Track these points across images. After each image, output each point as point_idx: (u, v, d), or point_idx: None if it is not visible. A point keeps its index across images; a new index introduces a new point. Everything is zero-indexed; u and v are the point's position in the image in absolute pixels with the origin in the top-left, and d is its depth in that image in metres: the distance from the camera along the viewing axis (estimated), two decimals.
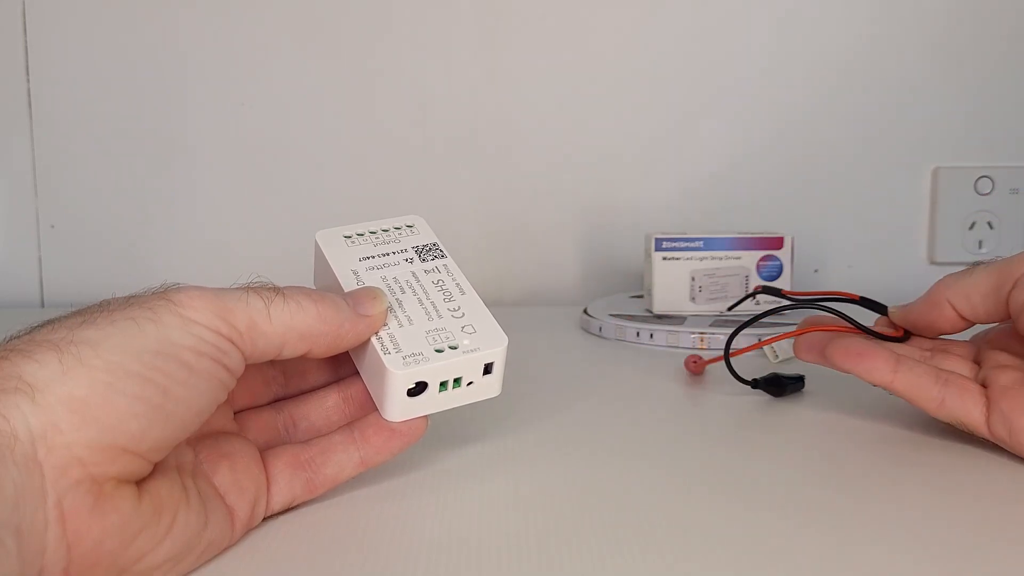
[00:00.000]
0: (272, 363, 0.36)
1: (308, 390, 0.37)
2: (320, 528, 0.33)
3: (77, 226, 0.78)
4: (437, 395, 0.34)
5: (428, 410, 0.34)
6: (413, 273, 0.37)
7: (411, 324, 0.34)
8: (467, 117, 0.79)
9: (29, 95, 0.77)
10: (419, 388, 0.34)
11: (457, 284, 0.37)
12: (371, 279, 0.36)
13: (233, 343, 0.29)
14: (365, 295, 0.34)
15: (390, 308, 0.35)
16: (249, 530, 0.32)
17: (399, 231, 0.39)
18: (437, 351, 0.34)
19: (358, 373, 0.36)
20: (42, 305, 0.79)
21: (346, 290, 0.35)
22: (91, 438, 0.25)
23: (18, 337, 0.28)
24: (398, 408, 0.34)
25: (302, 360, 0.37)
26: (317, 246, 0.38)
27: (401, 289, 0.36)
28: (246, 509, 0.31)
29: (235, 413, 0.35)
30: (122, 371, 0.26)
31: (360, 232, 0.38)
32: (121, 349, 0.27)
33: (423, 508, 0.35)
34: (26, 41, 0.76)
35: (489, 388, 0.35)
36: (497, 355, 0.35)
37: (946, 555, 0.30)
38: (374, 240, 0.38)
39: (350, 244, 0.38)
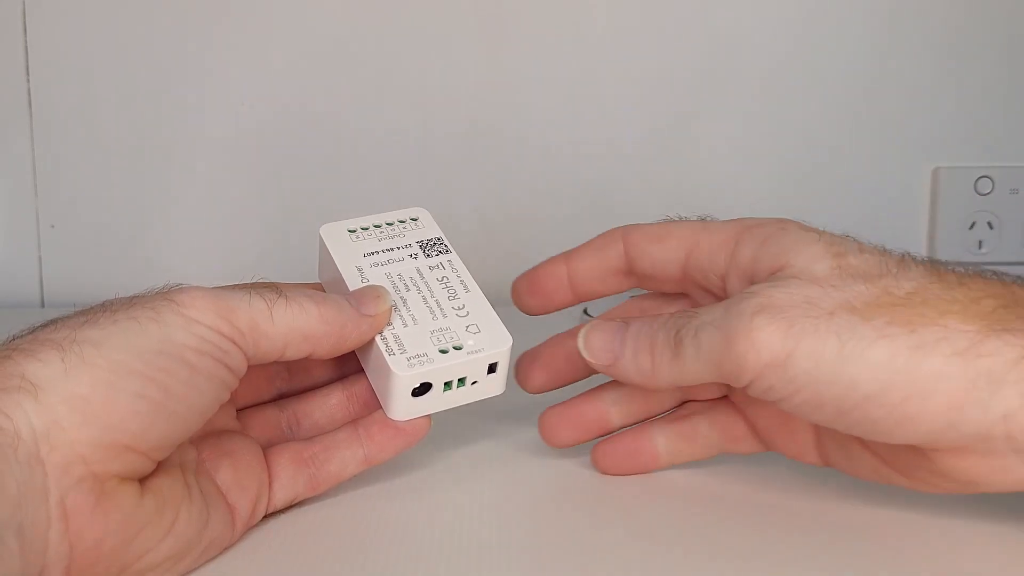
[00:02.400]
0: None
1: (312, 387, 0.37)
2: (321, 528, 0.33)
3: (77, 226, 0.78)
4: (442, 394, 0.34)
5: (432, 409, 0.34)
6: (418, 269, 0.37)
7: (415, 323, 0.34)
8: (467, 116, 0.78)
9: (29, 95, 0.77)
10: (423, 388, 0.34)
11: (462, 281, 0.37)
12: (375, 276, 0.36)
13: (235, 343, 0.29)
14: (368, 294, 0.34)
15: (394, 306, 0.35)
16: (250, 528, 0.32)
17: (403, 224, 0.39)
18: (442, 352, 0.34)
19: (363, 370, 0.36)
20: (42, 305, 0.79)
21: (351, 288, 0.35)
22: (94, 436, 0.25)
23: (21, 336, 0.28)
24: (403, 408, 0.34)
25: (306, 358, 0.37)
26: (321, 240, 0.38)
27: (405, 286, 0.36)
28: (247, 508, 0.31)
29: (238, 411, 0.35)
30: (124, 370, 0.26)
31: (364, 226, 0.38)
32: (123, 348, 0.27)
33: (424, 508, 0.35)
34: (26, 41, 0.76)
35: (493, 386, 0.35)
36: (502, 355, 0.35)
37: None
38: (378, 234, 0.38)
39: (354, 239, 0.37)
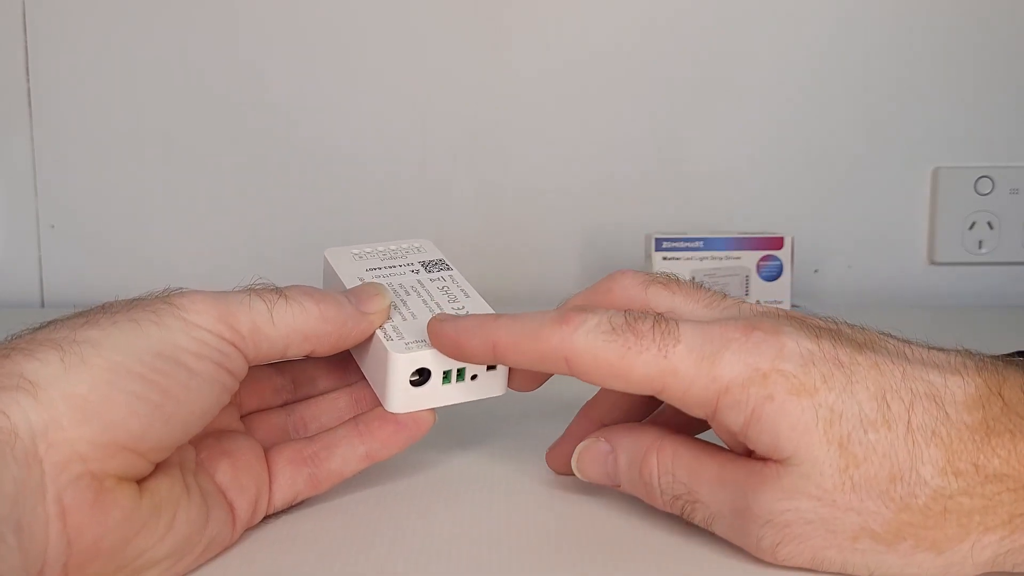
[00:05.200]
0: (281, 372, 0.36)
1: (317, 395, 0.37)
2: (320, 530, 0.33)
3: (77, 226, 0.78)
4: (440, 387, 0.34)
5: (431, 403, 0.34)
6: (419, 281, 0.37)
7: (414, 319, 0.35)
8: (467, 115, 0.78)
9: (29, 95, 0.77)
10: (422, 378, 0.33)
11: (462, 289, 0.37)
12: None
13: (235, 346, 0.29)
14: (367, 291, 0.34)
15: (393, 305, 0.35)
16: (249, 528, 0.32)
17: (407, 250, 0.40)
18: None
19: (365, 378, 0.36)
20: (42, 305, 0.79)
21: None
22: (92, 435, 0.25)
23: (20, 336, 0.28)
24: (400, 398, 0.33)
25: (311, 368, 0.37)
26: (326, 262, 0.39)
27: (406, 292, 0.36)
28: (247, 507, 0.31)
29: (245, 415, 0.35)
30: (123, 370, 0.26)
31: (368, 250, 0.39)
32: (123, 349, 0.27)
33: (423, 511, 0.35)
34: (26, 41, 0.76)
35: (494, 385, 0.35)
36: None
37: None
38: (381, 255, 0.39)
39: (357, 259, 0.39)
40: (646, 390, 0.29)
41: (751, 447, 0.28)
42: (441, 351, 0.33)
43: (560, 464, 0.36)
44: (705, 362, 0.28)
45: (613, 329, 0.29)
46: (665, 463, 0.31)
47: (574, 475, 0.34)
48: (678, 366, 0.28)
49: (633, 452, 0.32)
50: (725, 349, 0.28)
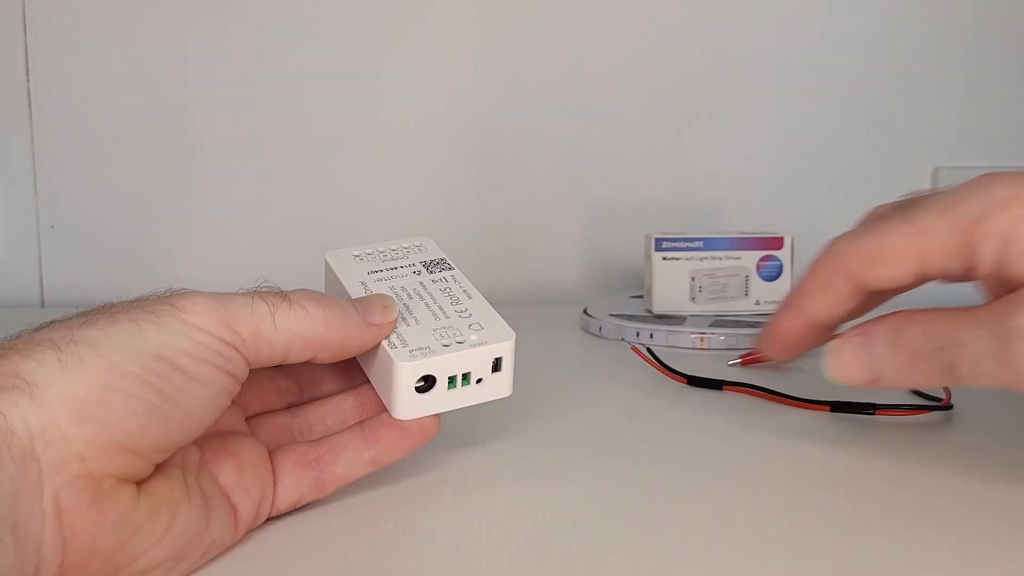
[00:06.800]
0: (286, 375, 0.36)
1: (322, 398, 0.37)
2: (322, 531, 0.33)
3: (77, 226, 0.78)
4: (446, 392, 0.34)
5: (438, 408, 0.34)
6: (421, 283, 0.37)
7: (418, 324, 0.35)
8: (467, 115, 0.79)
9: (29, 95, 0.77)
10: (428, 384, 0.34)
11: (464, 290, 0.37)
12: (379, 289, 0.37)
13: (236, 350, 0.29)
14: (376, 303, 0.34)
15: (399, 313, 0.35)
16: (251, 530, 0.32)
17: (407, 249, 0.40)
18: (444, 346, 0.34)
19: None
20: (42, 305, 0.79)
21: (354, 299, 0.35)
22: (90, 434, 0.25)
23: (18, 337, 0.28)
24: (406, 405, 0.34)
25: (315, 370, 0.37)
26: (327, 265, 0.38)
27: (408, 296, 0.36)
28: (250, 509, 0.31)
29: (250, 417, 0.35)
30: (120, 371, 0.26)
31: (369, 251, 0.39)
32: (120, 350, 0.27)
33: (426, 512, 0.35)
34: (26, 41, 0.76)
35: (499, 387, 0.35)
36: (505, 350, 0.35)
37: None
38: (382, 257, 0.39)
39: (358, 261, 0.39)
40: (907, 267, 0.32)
41: (1015, 272, 0.30)
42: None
43: (782, 350, 0.37)
44: (939, 203, 0.31)
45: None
46: (923, 325, 0.32)
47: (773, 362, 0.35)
48: (919, 222, 0.31)
49: (889, 332, 0.32)
50: (964, 199, 0.31)
